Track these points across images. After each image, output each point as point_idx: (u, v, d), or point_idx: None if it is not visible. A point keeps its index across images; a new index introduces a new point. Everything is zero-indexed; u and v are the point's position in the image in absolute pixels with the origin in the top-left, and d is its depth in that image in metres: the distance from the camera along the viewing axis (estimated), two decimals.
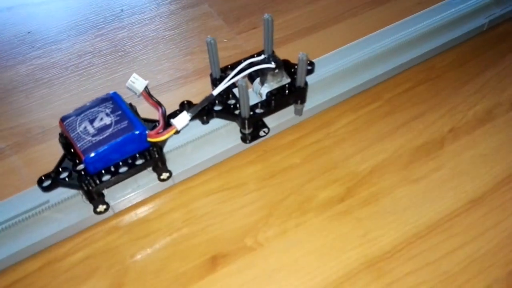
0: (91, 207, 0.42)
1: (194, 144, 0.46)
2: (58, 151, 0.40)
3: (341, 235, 0.42)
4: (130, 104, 0.42)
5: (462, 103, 0.51)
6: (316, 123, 0.50)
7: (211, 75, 0.46)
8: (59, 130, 0.40)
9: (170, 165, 0.43)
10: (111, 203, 0.42)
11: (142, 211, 0.44)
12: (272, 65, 0.43)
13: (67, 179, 0.39)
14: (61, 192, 0.42)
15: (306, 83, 0.45)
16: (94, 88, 0.55)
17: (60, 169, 0.40)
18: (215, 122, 0.47)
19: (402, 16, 0.59)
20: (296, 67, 0.44)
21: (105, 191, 0.42)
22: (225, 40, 0.60)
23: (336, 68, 0.51)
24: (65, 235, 0.42)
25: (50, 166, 0.40)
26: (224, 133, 0.47)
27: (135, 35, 0.61)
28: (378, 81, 0.53)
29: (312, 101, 0.49)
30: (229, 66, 0.47)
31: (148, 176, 0.44)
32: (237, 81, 0.41)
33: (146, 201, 0.45)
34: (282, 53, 0.48)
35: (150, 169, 0.43)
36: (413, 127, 0.49)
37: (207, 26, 0.62)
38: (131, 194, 0.43)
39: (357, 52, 0.53)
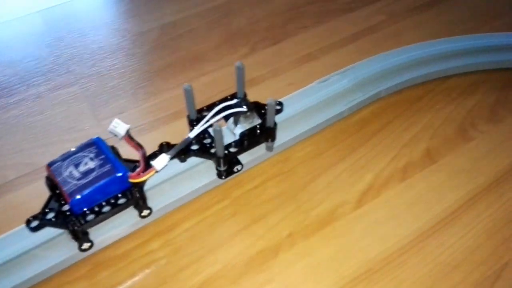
0: None
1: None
2: None
3: None
4: (112, 147, 0.45)
5: (307, 201, 0.50)
6: (159, 227, 0.49)
7: (188, 116, 0.50)
8: None
9: (150, 202, 0.47)
10: None
11: None
12: (244, 108, 0.48)
13: (53, 219, 0.42)
14: None
15: (275, 124, 0.50)
16: None
17: (47, 210, 0.42)
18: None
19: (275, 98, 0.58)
20: (266, 108, 0.49)
21: None
22: (86, 127, 0.59)
23: (184, 165, 0.50)
24: None
25: None
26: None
27: None
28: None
29: (158, 202, 0.48)
30: (205, 108, 0.51)
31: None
32: (213, 125, 0.46)
33: None
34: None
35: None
36: (253, 231, 0.48)
37: (72, 111, 0.61)
38: None
39: None
